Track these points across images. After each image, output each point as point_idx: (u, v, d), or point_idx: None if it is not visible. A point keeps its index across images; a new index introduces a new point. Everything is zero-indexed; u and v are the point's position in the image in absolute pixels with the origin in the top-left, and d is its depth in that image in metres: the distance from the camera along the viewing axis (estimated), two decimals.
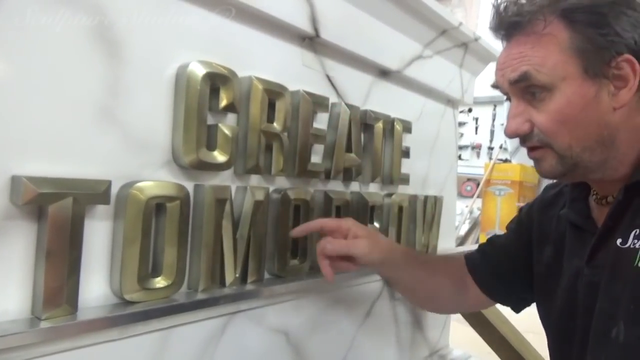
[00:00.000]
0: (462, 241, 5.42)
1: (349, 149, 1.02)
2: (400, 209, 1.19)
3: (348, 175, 1.03)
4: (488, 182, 5.21)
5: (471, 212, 5.59)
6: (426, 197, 1.29)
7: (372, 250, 0.88)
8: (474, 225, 5.57)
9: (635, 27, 0.67)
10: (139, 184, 0.64)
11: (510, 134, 0.74)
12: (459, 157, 6.37)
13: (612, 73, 0.68)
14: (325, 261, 0.85)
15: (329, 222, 0.89)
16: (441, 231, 1.39)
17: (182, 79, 0.70)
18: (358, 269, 0.92)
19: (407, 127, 1.21)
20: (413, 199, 1.25)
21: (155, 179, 0.68)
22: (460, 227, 5.53)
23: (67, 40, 0.59)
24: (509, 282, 0.95)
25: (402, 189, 1.23)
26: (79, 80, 0.60)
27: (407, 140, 1.23)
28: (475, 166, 6.09)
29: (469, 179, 6.02)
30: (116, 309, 0.63)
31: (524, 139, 0.74)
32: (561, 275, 0.82)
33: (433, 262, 1.08)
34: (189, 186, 0.73)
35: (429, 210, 1.30)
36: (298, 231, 0.87)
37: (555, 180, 0.93)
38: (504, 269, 0.96)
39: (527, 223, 0.95)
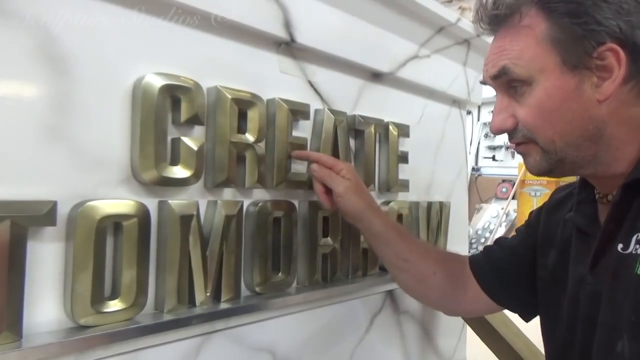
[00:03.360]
0: None
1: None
2: (400, 217, 1.13)
3: None
4: (523, 182, 5.03)
5: (507, 214, 5.40)
6: (430, 204, 1.23)
7: (353, 193, 0.86)
8: (511, 227, 5.38)
9: (619, 14, 0.61)
10: (90, 204, 0.62)
11: (494, 131, 0.71)
12: (493, 158, 6.20)
13: (595, 64, 0.63)
14: (318, 185, 0.88)
15: (327, 158, 0.90)
16: (451, 238, 1.32)
17: (138, 92, 0.68)
18: (335, 207, 0.89)
19: (404, 131, 1.16)
20: (414, 205, 1.19)
21: (113, 198, 0.66)
22: (496, 230, 5.35)
23: (6, 60, 0.57)
24: (513, 285, 0.88)
25: (403, 196, 1.18)
26: (21, 100, 0.58)
27: (406, 145, 1.18)
28: (510, 167, 5.88)
29: (503, 180, 5.82)
30: (69, 334, 0.60)
31: (510, 135, 0.71)
32: (566, 284, 0.75)
33: (427, 248, 1.01)
34: (153, 203, 0.71)
35: (433, 217, 1.23)
36: (297, 153, 0.88)
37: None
38: (508, 271, 0.89)
39: (534, 226, 0.89)
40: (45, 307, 0.61)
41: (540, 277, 0.84)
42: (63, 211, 0.61)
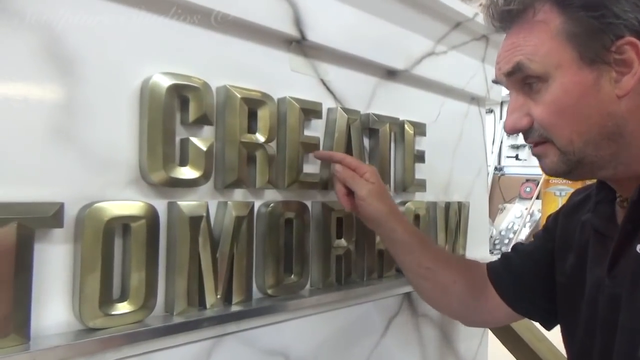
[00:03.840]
0: None
1: None
2: (417, 217, 1.10)
3: None
4: (548, 182, 4.91)
5: (531, 214, 5.28)
6: (448, 204, 1.20)
7: (376, 197, 0.84)
8: (535, 227, 5.26)
9: (638, 7, 0.58)
10: (97, 205, 0.62)
11: (508, 130, 0.68)
12: (516, 157, 6.08)
13: (613, 58, 0.60)
14: (340, 186, 0.85)
15: (351, 160, 0.87)
16: (471, 239, 1.29)
17: (145, 92, 0.67)
18: (356, 210, 0.86)
19: (421, 130, 1.13)
20: (432, 206, 1.16)
21: (121, 199, 0.65)
22: (520, 230, 5.24)
23: (12, 61, 0.57)
24: (532, 292, 0.85)
25: (420, 196, 1.15)
26: (27, 101, 0.58)
27: (423, 144, 1.15)
28: (534, 166, 5.74)
29: (527, 180, 5.70)
30: (77, 337, 0.60)
31: (525, 135, 0.68)
32: (584, 287, 0.72)
33: (448, 256, 0.99)
34: (162, 204, 0.70)
35: (452, 218, 1.20)
36: (320, 154, 0.88)
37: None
38: (526, 278, 0.86)
39: (552, 230, 0.85)
40: (53, 309, 0.60)
41: (558, 282, 0.80)
42: (71, 213, 0.61)
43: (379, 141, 1.02)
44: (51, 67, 0.60)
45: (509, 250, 0.94)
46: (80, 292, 0.60)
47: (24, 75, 0.58)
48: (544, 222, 0.91)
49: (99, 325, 0.62)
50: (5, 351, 0.54)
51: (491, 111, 5.98)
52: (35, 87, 0.59)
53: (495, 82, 0.72)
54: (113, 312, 0.63)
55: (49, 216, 0.57)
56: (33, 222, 0.56)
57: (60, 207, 0.58)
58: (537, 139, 0.66)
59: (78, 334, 0.61)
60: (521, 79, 0.65)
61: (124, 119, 0.67)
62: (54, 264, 0.60)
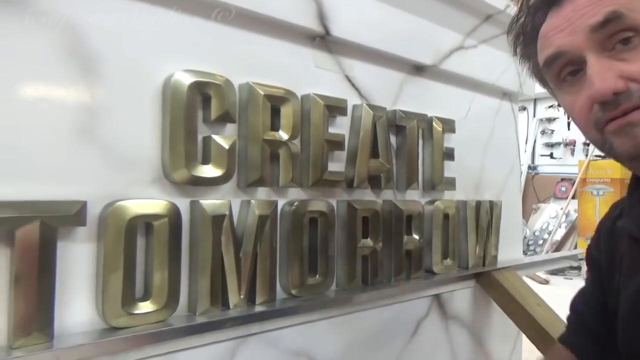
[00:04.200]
0: (558, 247, 4.97)
1: (375, 154, 0.93)
2: (446, 216, 1.07)
3: (376, 182, 0.94)
4: (584, 181, 4.74)
5: (567, 214, 5.11)
6: (479, 203, 1.16)
7: None
8: (571, 229, 5.09)
9: None
10: (120, 203, 0.61)
11: (604, 92, 0.55)
12: (551, 156, 5.90)
13: None
14: None
15: None
16: (504, 240, 1.24)
17: (167, 90, 0.67)
18: None
19: (450, 126, 1.10)
20: (462, 205, 1.12)
21: (144, 197, 0.65)
22: (555, 231, 5.08)
23: (36, 61, 0.57)
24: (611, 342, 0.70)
25: (449, 195, 1.11)
26: (51, 100, 0.58)
27: (452, 141, 1.12)
28: (569, 164, 5.57)
29: (562, 179, 5.52)
30: (101, 335, 0.60)
31: (618, 100, 0.55)
32: (620, 298, 0.64)
33: None
34: (184, 203, 0.69)
35: (483, 217, 1.16)
36: None
37: None
38: (602, 332, 0.71)
39: (597, 256, 0.72)
40: (76, 308, 0.60)
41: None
42: (94, 211, 0.61)
43: (407, 138, 0.99)
44: (74, 66, 0.60)
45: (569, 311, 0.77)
46: (103, 290, 0.60)
47: (47, 75, 0.58)
48: (585, 254, 0.76)
49: (122, 324, 0.62)
50: (29, 349, 0.54)
51: (524, 109, 5.83)
52: (58, 87, 0.59)
53: (550, 60, 0.59)
54: (136, 312, 0.62)
55: (71, 214, 0.57)
56: (56, 220, 0.56)
57: (83, 205, 0.58)
58: (638, 100, 0.54)
59: (101, 332, 0.61)
60: (610, 35, 0.55)
61: (147, 118, 0.66)
62: (77, 263, 0.60)
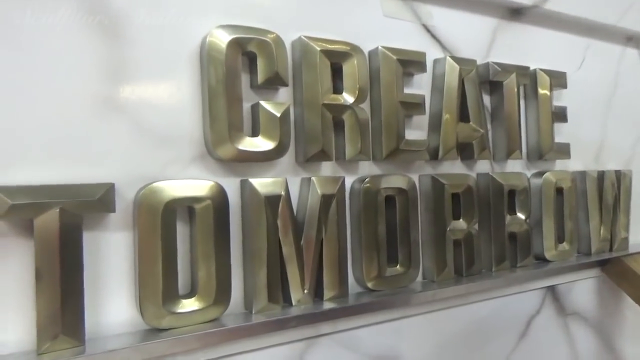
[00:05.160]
0: None
1: (465, 118, 0.77)
2: (560, 191, 0.87)
3: (467, 152, 0.78)
4: None
5: None
6: (602, 173, 0.94)
7: None
8: None
9: None
10: (154, 185, 0.53)
11: None
12: None
13: None
14: None
15: None
16: (636, 218, 1.01)
17: (204, 51, 0.57)
18: None
19: (559, 81, 0.89)
20: (580, 176, 0.92)
21: (184, 178, 0.56)
22: None
23: (52, 25, 0.50)
24: None
25: (562, 165, 0.92)
26: (69, 68, 0.51)
27: (563, 98, 0.91)
28: None
29: None
30: (142, 338, 0.52)
31: None
32: None
33: None
34: (233, 183, 0.59)
35: (608, 191, 0.94)
36: None
37: None
38: None
39: None
40: (112, 307, 0.53)
41: None
42: (126, 195, 0.53)
43: (504, 97, 0.81)
44: (97, 29, 0.52)
45: None
46: (140, 287, 0.52)
47: (66, 39, 0.51)
48: None
49: (165, 325, 0.53)
50: (55, 355, 0.47)
51: None
52: (79, 52, 0.51)
53: None
54: (180, 310, 0.54)
55: (95, 199, 0.49)
56: (79, 206, 0.48)
57: (110, 188, 0.50)
58: None
59: (142, 335, 0.53)
60: None
61: (183, 85, 0.57)
62: (110, 255, 0.52)
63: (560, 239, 0.88)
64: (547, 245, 0.85)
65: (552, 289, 0.88)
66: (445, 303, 0.73)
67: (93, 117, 0.52)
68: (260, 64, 0.59)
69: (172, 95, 0.56)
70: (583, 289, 0.93)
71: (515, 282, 0.82)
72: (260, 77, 0.59)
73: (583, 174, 0.92)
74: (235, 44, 0.57)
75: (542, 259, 0.86)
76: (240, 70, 0.58)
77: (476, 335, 0.78)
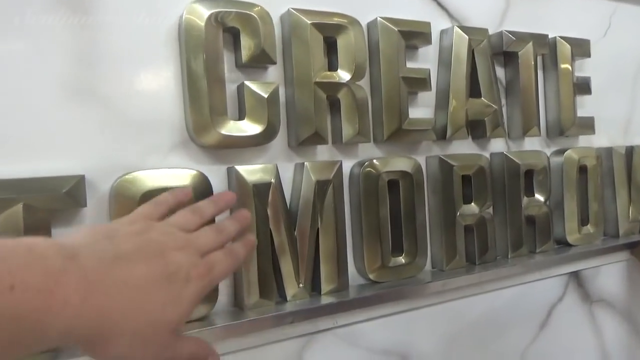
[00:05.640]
0: None
1: (476, 93, 0.70)
2: (583, 169, 0.80)
3: (479, 130, 0.72)
4: None
5: None
6: (630, 149, 0.87)
7: None
8: None
9: None
10: (130, 175, 0.49)
11: None
12: None
13: None
14: None
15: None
16: None
17: (182, 29, 0.52)
18: None
19: (582, 49, 0.82)
20: (605, 153, 0.85)
21: (165, 167, 0.52)
22: None
23: (7, 4, 0.46)
24: None
25: (586, 141, 0.84)
26: (35, 52, 0.47)
27: (586, 68, 0.84)
28: None
29: None
30: None
31: None
32: None
33: None
34: (218, 171, 0.55)
35: (637, 168, 0.87)
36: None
37: None
38: None
39: None
40: None
41: None
42: (102, 188, 0.49)
43: (520, 68, 0.74)
44: (62, 7, 0.48)
45: None
46: None
47: (30, 21, 0.47)
48: None
49: None
50: None
51: None
52: (45, 34, 0.47)
53: None
54: None
55: (62, 193, 0.45)
56: (45, 201, 0.45)
57: (79, 180, 0.46)
58: None
59: None
60: None
61: (161, 67, 0.53)
62: None
63: (584, 221, 0.81)
64: (569, 228, 0.79)
65: (575, 275, 0.82)
66: (457, 293, 0.68)
67: (60, 105, 0.48)
68: (244, 40, 0.54)
69: (149, 78, 0.52)
70: (610, 273, 0.87)
71: (535, 269, 0.76)
72: (245, 56, 0.54)
73: (609, 150, 0.85)
74: (215, 19, 0.52)
75: (564, 243, 0.80)
76: (222, 48, 0.53)
77: (492, 327, 0.73)
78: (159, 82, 0.53)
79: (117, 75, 0.50)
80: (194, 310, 0.35)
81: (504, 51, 0.73)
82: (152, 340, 0.32)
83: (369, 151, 0.65)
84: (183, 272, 0.34)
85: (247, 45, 0.54)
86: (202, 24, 0.52)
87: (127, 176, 0.49)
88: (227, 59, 0.56)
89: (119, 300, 0.30)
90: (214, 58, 0.53)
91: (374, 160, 0.62)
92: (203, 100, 0.52)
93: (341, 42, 0.60)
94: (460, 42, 0.69)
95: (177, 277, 0.34)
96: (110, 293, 0.30)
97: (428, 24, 0.67)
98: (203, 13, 0.52)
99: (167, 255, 0.34)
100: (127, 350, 0.31)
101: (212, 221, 0.46)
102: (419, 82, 0.66)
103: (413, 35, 0.65)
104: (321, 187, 0.58)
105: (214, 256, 0.38)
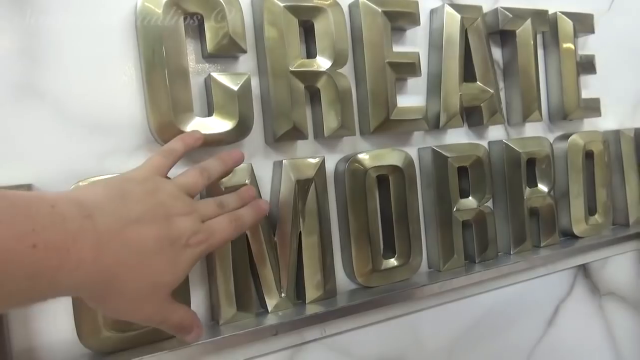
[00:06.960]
0: None
1: (470, 76, 0.65)
2: (589, 155, 0.75)
3: (475, 117, 0.66)
4: None
5: None
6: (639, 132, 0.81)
7: None
8: None
9: None
10: (85, 183, 0.44)
11: None
12: None
13: None
14: None
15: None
16: None
17: (138, 18, 0.47)
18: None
19: (586, 25, 0.76)
20: (613, 136, 0.79)
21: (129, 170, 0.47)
22: None
23: None
24: None
25: (591, 124, 0.79)
26: None
27: (590, 46, 0.78)
28: None
29: None
30: None
31: None
32: None
33: None
34: None
35: None
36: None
37: None
38: None
39: None
40: (44, 330, 0.45)
41: None
42: None
43: (518, 48, 0.68)
44: (10, 8, 0.43)
45: None
46: (75, 307, 0.43)
47: None
48: None
49: (111, 348, 0.45)
50: None
51: None
52: None
53: None
54: (128, 329, 0.45)
55: None
56: None
57: (26, 190, 0.41)
58: None
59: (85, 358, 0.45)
60: None
61: (119, 63, 0.47)
62: None
63: (591, 211, 0.76)
64: (575, 218, 0.74)
65: (583, 268, 0.77)
66: (456, 295, 0.63)
67: (7, 109, 0.43)
68: (208, 28, 0.49)
69: (105, 76, 0.47)
70: (620, 265, 0.81)
71: (539, 264, 0.71)
72: (210, 45, 0.49)
73: (617, 134, 0.79)
74: (174, 5, 0.47)
75: (569, 235, 0.75)
76: (184, 37, 0.48)
77: (494, 329, 0.68)
78: (116, 80, 0.47)
79: (69, 75, 0.45)
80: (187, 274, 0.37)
81: (500, 30, 0.68)
82: (149, 300, 0.34)
83: (354, 145, 0.59)
84: (184, 239, 0.36)
85: (212, 33, 0.49)
86: (160, 11, 0.46)
87: (83, 183, 0.44)
88: (192, 50, 0.51)
89: (126, 260, 0.32)
90: (175, 49, 0.47)
91: (360, 155, 0.57)
92: (164, 96, 0.47)
93: (319, 25, 0.55)
94: (452, 21, 0.63)
95: (178, 242, 0.35)
96: (120, 253, 0.32)
97: (416, 3, 0.61)
98: None
99: (172, 220, 0.36)
100: (127, 307, 0.34)
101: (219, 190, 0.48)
102: (407, 67, 0.60)
103: (399, 15, 0.60)
104: (302, 186, 0.53)
105: (216, 222, 0.39)
